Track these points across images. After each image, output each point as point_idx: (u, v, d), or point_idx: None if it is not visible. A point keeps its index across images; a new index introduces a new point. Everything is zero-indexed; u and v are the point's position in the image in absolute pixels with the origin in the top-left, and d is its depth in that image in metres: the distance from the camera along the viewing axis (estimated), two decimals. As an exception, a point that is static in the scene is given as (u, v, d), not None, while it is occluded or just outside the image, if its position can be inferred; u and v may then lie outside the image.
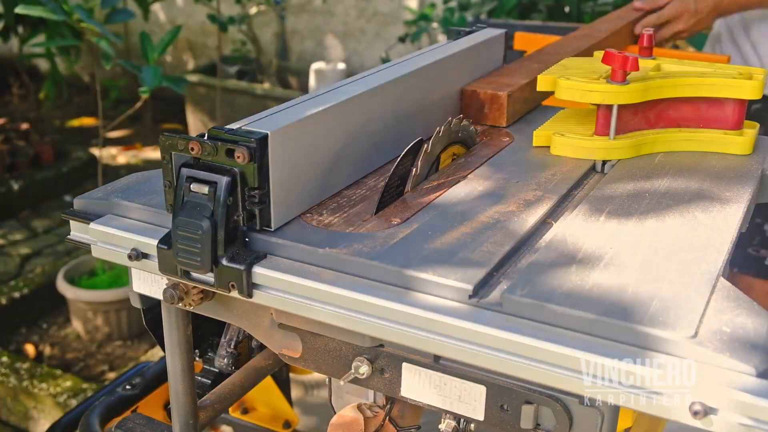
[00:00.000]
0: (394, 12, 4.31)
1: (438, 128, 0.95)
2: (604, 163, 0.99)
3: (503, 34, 1.26)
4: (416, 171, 0.90)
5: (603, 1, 2.94)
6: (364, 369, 0.79)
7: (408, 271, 0.71)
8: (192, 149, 0.75)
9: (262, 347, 1.14)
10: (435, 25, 3.71)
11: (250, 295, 0.76)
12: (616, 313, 0.65)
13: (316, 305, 0.73)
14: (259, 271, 0.75)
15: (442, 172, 0.95)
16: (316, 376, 1.79)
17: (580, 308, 0.66)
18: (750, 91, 1.00)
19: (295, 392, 1.57)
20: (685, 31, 1.66)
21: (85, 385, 2.36)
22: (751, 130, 1.04)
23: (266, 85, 4.33)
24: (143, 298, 0.92)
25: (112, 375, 2.58)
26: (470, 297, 0.69)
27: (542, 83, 1.04)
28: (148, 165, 4.10)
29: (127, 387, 1.26)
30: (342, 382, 0.81)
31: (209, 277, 0.77)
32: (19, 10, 2.12)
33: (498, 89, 1.13)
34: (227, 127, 0.78)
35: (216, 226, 0.74)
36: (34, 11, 2.10)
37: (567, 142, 1.00)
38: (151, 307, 0.96)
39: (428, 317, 0.68)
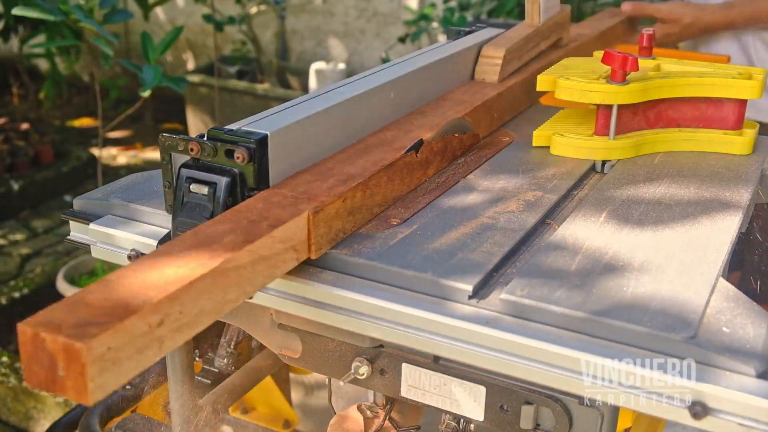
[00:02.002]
0: (394, 12, 4.31)
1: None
2: (603, 163, 0.99)
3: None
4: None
5: (603, 1, 2.94)
6: (364, 369, 0.79)
7: (408, 272, 0.71)
8: (192, 150, 0.75)
9: (262, 347, 1.14)
10: (435, 25, 3.71)
11: (249, 296, 0.76)
12: (616, 313, 0.65)
13: (315, 306, 0.73)
14: (259, 272, 0.75)
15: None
16: (317, 376, 1.79)
17: (579, 309, 0.66)
18: (750, 91, 1.00)
19: (295, 393, 1.57)
20: (673, 35, 1.64)
21: (85, 385, 2.35)
22: (750, 130, 1.04)
23: (266, 85, 4.32)
24: (143, 298, 0.92)
25: (112, 375, 2.57)
26: (470, 297, 0.69)
27: (542, 83, 1.04)
28: (148, 165, 4.09)
29: (127, 387, 1.26)
30: (342, 383, 0.81)
31: (209, 278, 0.76)
32: (17, 11, 2.12)
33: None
34: (227, 127, 0.78)
35: (216, 226, 0.74)
36: (32, 12, 2.10)
37: (567, 142, 1.00)
38: (151, 307, 0.96)
39: (428, 318, 0.68)
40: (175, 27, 2.46)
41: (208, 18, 3.53)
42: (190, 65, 4.97)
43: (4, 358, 2.47)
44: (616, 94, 0.97)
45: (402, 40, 3.80)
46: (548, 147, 1.02)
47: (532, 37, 1.22)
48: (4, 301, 2.78)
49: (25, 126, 4.01)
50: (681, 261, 0.74)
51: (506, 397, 0.74)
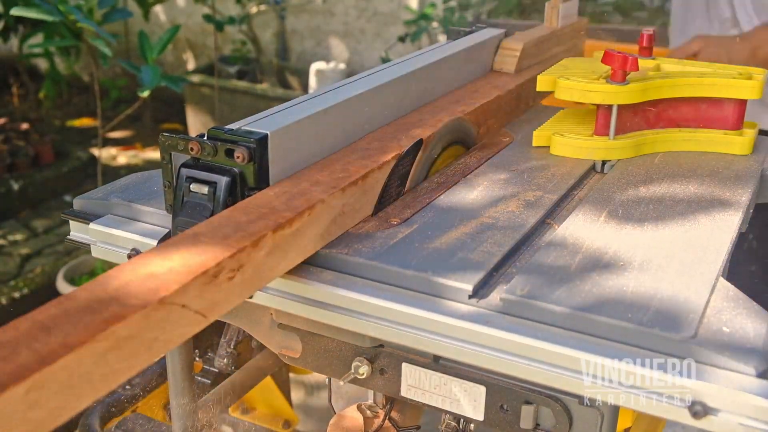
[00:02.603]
0: (394, 12, 4.31)
1: (438, 128, 0.95)
2: (603, 163, 0.99)
3: (503, 34, 1.26)
4: (415, 171, 0.90)
5: (603, 0, 2.94)
6: (364, 369, 0.79)
7: (408, 272, 0.71)
8: (192, 149, 0.75)
9: (262, 347, 1.14)
10: (435, 25, 3.71)
11: (249, 296, 0.76)
12: (616, 312, 0.65)
13: (315, 306, 0.73)
14: (259, 271, 0.75)
15: (442, 172, 0.95)
16: (317, 376, 1.79)
17: (579, 308, 0.66)
18: (750, 91, 1.00)
19: (295, 393, 1.57)
20: None
21: (85, 385, 2.35)
22: (750, 130, 1.04)
23: (266, 85, 4.32)
24: (143, 298, 0.92)
25: (112, 375, 2.57)
26: (470, 297, 0.69)
27: (542, 83, 1.04)
28: (148, 165, 4.09)
29: (127, 387, 1.26)
30: (342, 383, 0.81)
31: (209, 277, 0.76)
32: (15, 12, 2.12)
33: None
34: (227, 127, 0.78)
35: (216, 226, 0.74)
36: (30, 13, 2.10)
37: (567, 142, 1.00)
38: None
39: (428, 317, 0.68)
40: (173, 26, 2.46)
41: (208, 18, 3.53)
42: (190, 65, 4.97)
43: (4, 358, 2.48)
44: (616, 94, 0.97)
45: (402, 40, 3.81)
46: (548, 147, 1.02)
47: (547, 39, 1.31)
48: (4, 301, 2.78)
49: (25, 126, 4.01)
50: (681, 261, 0.74)
51: (506, 396, 0.74)
